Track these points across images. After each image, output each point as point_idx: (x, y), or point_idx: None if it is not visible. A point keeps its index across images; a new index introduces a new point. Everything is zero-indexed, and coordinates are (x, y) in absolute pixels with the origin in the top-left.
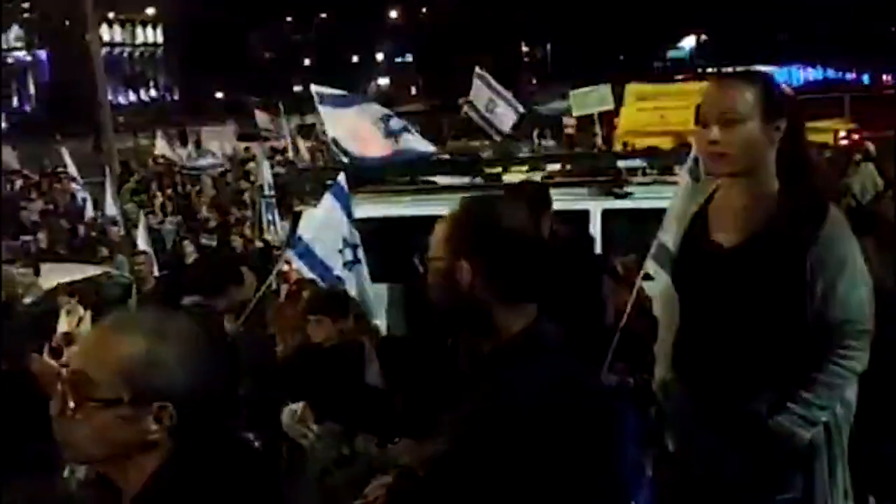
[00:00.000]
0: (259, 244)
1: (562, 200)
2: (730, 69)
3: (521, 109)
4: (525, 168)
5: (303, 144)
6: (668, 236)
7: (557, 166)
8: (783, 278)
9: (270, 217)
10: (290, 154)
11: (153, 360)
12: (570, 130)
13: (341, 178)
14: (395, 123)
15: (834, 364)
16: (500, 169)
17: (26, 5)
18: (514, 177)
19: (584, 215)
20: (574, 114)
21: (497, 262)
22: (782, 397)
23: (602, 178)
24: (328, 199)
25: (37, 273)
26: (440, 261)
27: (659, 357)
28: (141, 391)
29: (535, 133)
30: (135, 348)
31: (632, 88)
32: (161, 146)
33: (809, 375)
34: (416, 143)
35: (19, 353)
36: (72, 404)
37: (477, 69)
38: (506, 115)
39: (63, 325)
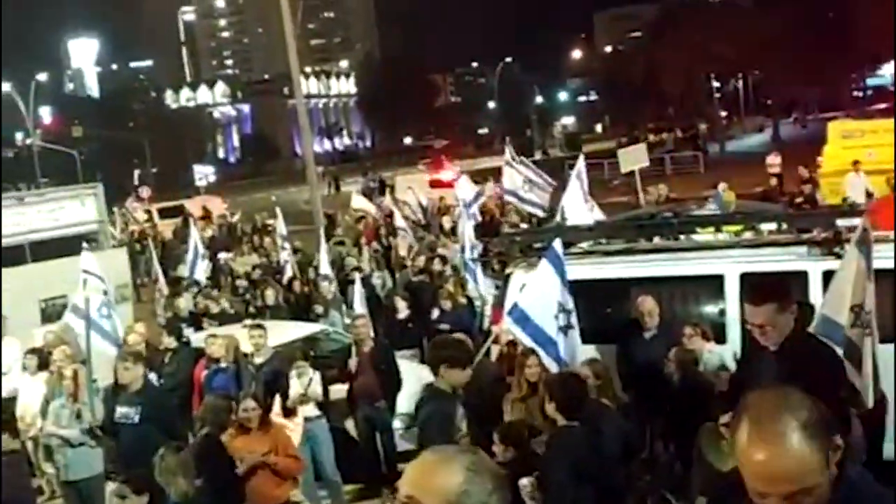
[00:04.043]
0: (462, 299)
1: (778, 261)
2: None
3: (553, 183)
4: (739, 227)
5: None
6: (833, 309)
7: (773, 225)
8: None
9: (472, 276)
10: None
11: (467, 490)
12: (774, 170)
13: (557, 243)
14: None
15: None
16: (712, 229)
17: (229, 62)
18: (713, 235)
19: (802, 277)
20: (623, 170)
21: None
22: None
23: (821, 237)
24: (544, 265)
25: (266, 333)
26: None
27: None
28: None
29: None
30: (454, 479)
31: (835, 125)
32: (358, 201)
33: None
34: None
35: (220, 418)
36: None
37: (507, 156)
38: (542, 194)
39: (296, 386)
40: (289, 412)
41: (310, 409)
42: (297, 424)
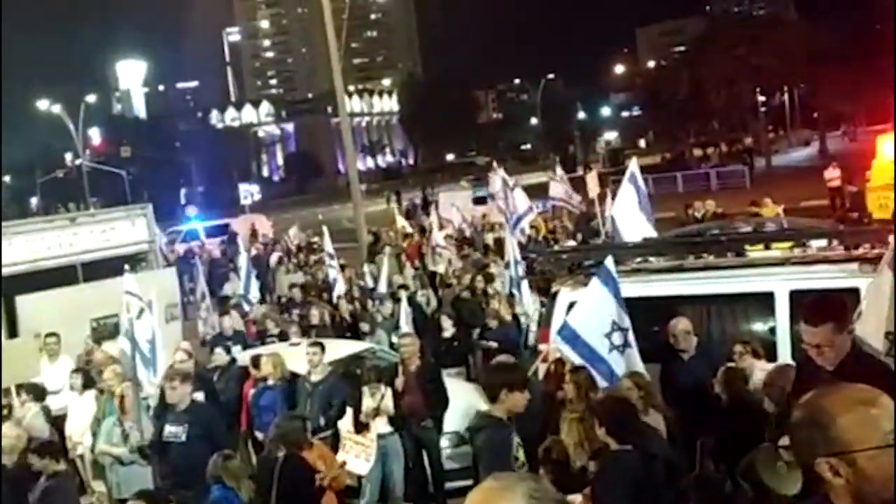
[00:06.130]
0: (508, 316)
1: (829, 278)
2: None
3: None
4: (789, 245)
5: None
6: (866, 330)
7: (823, 241)
8: None
9: (516, 291)
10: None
11: None
12: (834, 183)
13: (609, 261)
14: None
15: None
16: (761, 246)
17: (274, 81)
18: (764, 252)
19: (854, 294)
20: (591, 195)
21: None
22: None
23: (873, 254)
24: (595, 284)
25: (323, 351)
26: None
27: None
28: None
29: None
30: None
31: (883, 139)
32: (401, 221)
33: None
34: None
35: (298, 438)
36: None
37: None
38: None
39: (368, 401)
40: (362, 427)
41: (382, 426)
42: (370, 440)
